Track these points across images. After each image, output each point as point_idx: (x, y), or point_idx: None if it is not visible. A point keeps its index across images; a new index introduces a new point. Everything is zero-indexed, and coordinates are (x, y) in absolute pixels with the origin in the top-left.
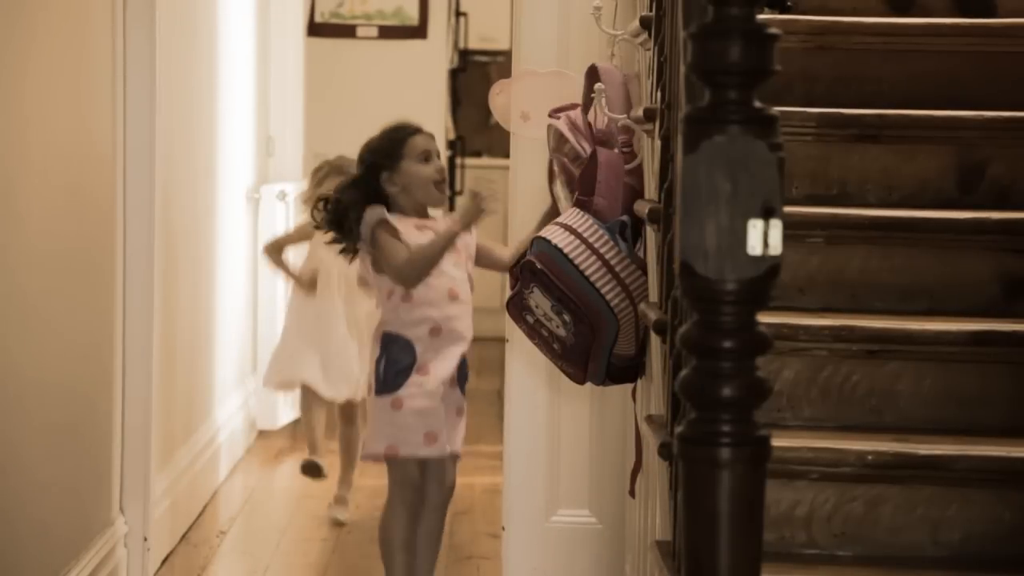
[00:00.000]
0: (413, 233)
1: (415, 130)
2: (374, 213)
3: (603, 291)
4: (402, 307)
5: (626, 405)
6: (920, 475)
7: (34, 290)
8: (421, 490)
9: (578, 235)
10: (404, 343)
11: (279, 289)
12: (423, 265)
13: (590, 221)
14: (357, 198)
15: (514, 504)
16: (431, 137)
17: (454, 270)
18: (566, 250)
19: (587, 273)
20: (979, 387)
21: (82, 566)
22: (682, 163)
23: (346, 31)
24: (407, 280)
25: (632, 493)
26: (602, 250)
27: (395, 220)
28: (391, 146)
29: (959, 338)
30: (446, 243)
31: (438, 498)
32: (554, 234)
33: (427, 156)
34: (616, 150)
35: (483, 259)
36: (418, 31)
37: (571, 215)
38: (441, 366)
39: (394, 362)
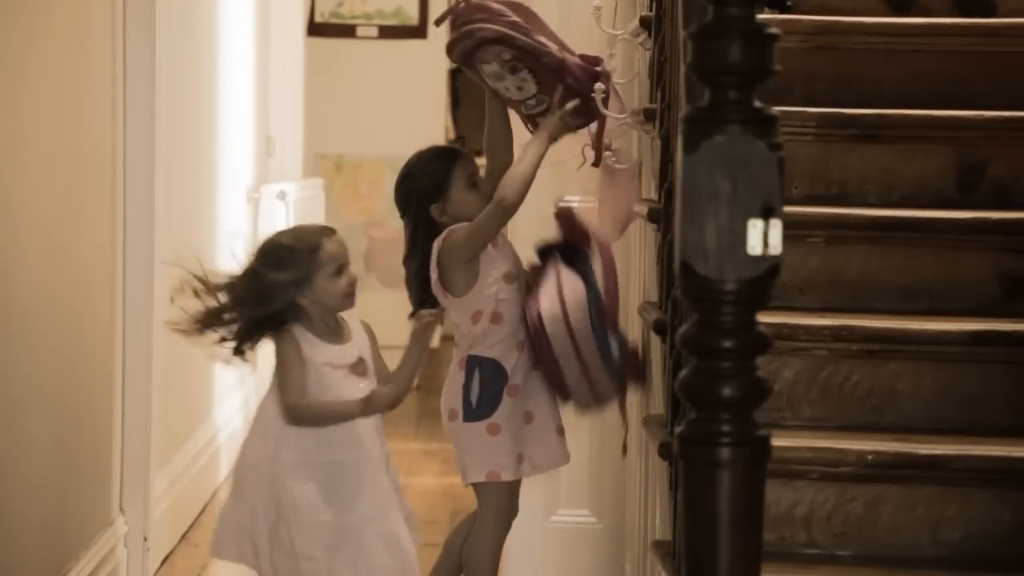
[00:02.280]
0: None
1: (459, 152)
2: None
3: (565, 373)
4: (491, 329)
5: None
6: (920, 475)
7: (33, 290)
8: (515, 510)
9: (564, 310)
10: (494, 365)
11: None
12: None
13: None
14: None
15: None
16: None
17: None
18: (549, 330)
19: (557, 354)
20: (979, 387)
21: (82, 566)
22: (682, 163)
23: (346, 31)
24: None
25: (624, 451)
26: (576, 327)
27: None
28: (439, 176)
29: (959, 338)
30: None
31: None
32: (547, 305)
33: (475, 178)
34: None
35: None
36: (418, 31)
37: (568, 280)
38: (529, 385)
39: (487, 386)
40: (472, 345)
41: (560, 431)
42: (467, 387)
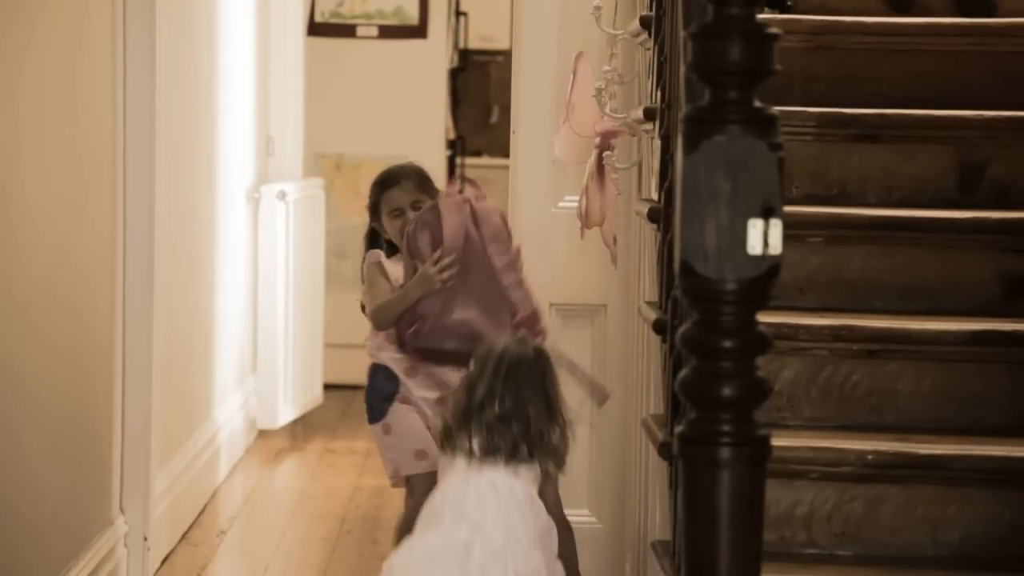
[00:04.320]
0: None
1: (395, 181)
2: (371, 255)
3: None
4: (387, 338)
5: (626, 405)
6: (920, 475)
7: (33, 290)
8: None
9: None
10: (387, 372)
11: (279, 289)
12: (382, 319)
13: None
14: (367, 241)
15: None
16: (412, 186)
17: None
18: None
19: None
20: (979, 387)
21: (82, 565)
22: (682, 163)
23: (346, 31)
24: (376, 326)
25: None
26: None
27: (388, 262)
28: (372, 199)
29: (959, 338)
30: (402, 304)
31: None
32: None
33: (399, 211)
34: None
35: None
36: (418, 31)
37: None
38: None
39: (378, 390)
40: (374, 354)
41: None
42: (367, 392)
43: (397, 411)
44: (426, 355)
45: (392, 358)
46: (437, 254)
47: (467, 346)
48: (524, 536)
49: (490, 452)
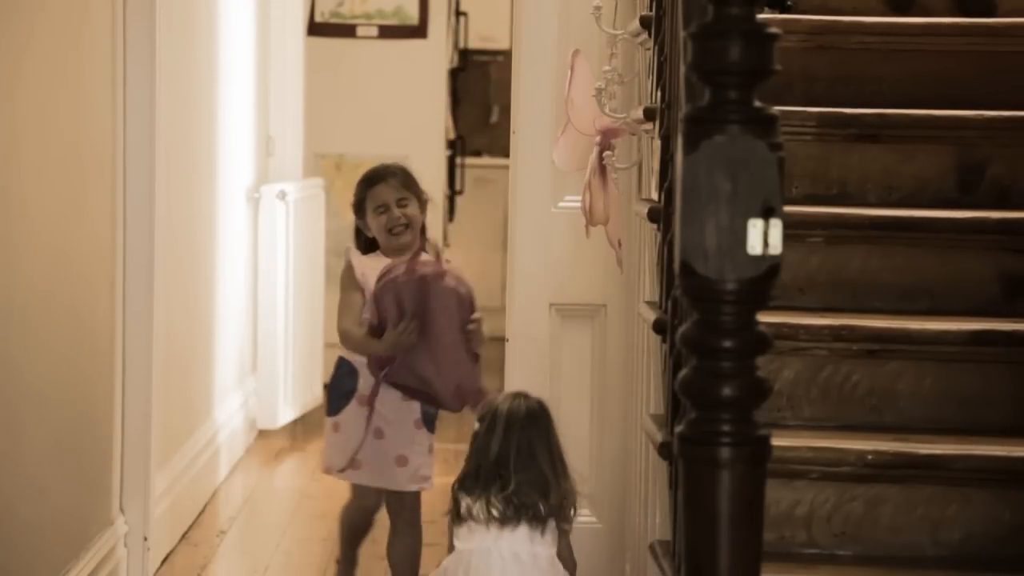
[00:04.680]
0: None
1: (381, 178)
2: (346, 254)
3: None
4: None
5: (627, 405)
6: (920, 475)
7: (33, 290)
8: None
9: None
10: (351, 369)
11: (279, 289)
12: (347, 345)
13: None
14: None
15: None
16: (398, 183)
17: None
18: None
19: None
20: (979, 387)
21: (82, 565)
22: (682, 163)
23: (346, 31)
24: (342, 343)
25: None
26: None
27: (363, 261)
28: (358, 196)
29: (959, 338)
30: (367, 352)
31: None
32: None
33: (384, 208)
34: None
35: None
36: (418, 31)
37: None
38: (390, 407)
39: (338, 385)
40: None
41: (401, 462)
42: (329, 384)
43: (350, 413)
44: (396, 386)
45: (361, 361)
46: (403, 325)
47: (426, 396)
48: None
49: (511, 517)
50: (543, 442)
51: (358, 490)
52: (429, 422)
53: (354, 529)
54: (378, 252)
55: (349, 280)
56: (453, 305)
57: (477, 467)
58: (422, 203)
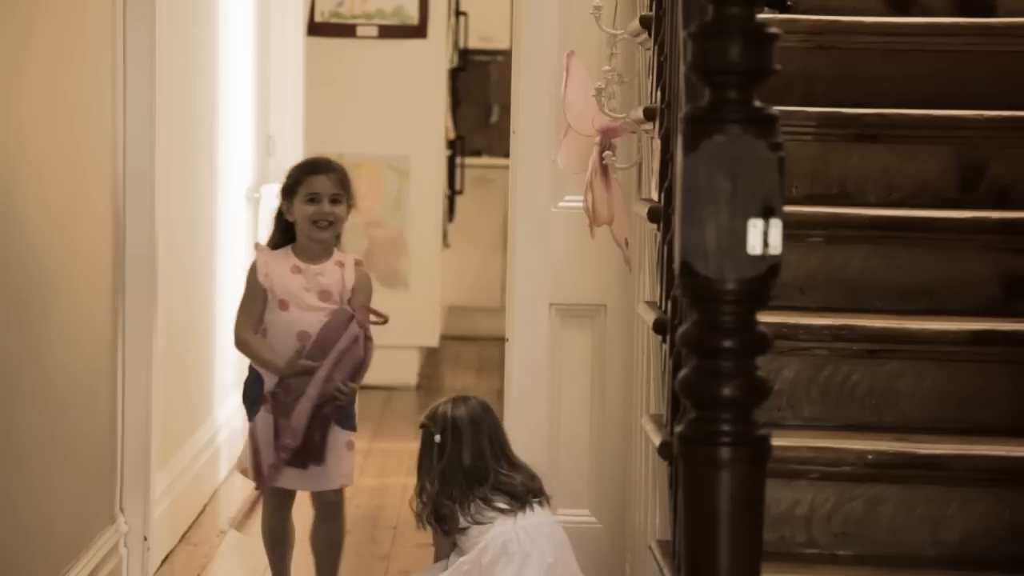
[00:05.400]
0: (286, 276)
1: (323, 169)
2: (255, 251)
3: None
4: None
5: (627, 405)
6: (920, 475)
7: (34, 290)
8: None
9: None
10: (256, 377)
11: None
12: (247, 354)
13: None
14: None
15: None
16: (336, 179)
17: (310, 314)
18: None
19: None
20: (979, 387)
21: (82, 565)
22: (682, 163)
23: (346, 31)
24: (236, 346)
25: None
26: None
27: (271, 258)
28: (292, 180)
29: (959, 338)
30: (258, 362)
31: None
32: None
33: (315, 198)
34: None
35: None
36: (418, 31)
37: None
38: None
39: (247, 393)
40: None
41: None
42: (243, 391)
43: (261, 421)
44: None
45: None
46: (315, 365)
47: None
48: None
49: (518, 499)
50: (501, 430)
51: (271, 491)
52: (345, 420)
53: (274, 536)
54: (288, 248)
55: (252, 280)
56: (349, 362)
57: (455, 474)
58: (349, 207)
